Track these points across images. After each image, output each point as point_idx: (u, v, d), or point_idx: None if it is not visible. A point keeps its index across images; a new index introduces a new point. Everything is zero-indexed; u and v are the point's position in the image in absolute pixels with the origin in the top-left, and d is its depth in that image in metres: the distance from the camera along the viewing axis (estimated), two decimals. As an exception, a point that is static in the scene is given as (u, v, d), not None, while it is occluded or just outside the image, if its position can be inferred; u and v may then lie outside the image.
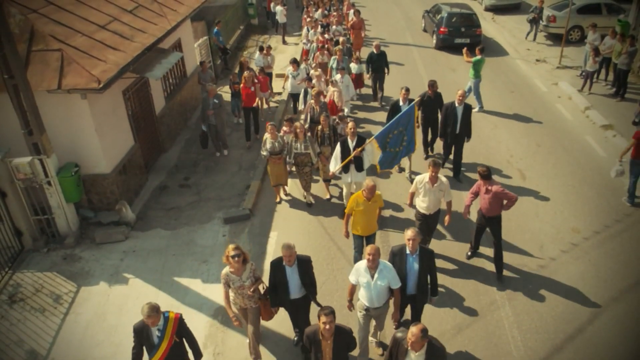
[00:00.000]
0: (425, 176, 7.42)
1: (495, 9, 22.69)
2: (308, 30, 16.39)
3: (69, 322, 7.17)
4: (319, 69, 12.57)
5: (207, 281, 7.83)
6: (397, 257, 6.06)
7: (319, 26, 16.49)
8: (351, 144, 8.42)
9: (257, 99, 11.69)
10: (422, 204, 7.55)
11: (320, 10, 18.95)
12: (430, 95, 10.40)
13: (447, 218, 7.62)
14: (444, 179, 7.38)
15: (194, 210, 9.57)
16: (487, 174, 7.33)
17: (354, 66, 13.46)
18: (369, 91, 14.19)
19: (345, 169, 8.56)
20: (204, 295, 7.57)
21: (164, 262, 8.27)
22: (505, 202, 7.37)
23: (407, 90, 9.90)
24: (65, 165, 8.50)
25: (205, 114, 10.87)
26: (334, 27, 16.74)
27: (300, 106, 11.51)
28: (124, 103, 9.65)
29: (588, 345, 6.59)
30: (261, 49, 14.27)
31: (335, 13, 18.48)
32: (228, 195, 9.96)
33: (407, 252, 6.02)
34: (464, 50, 13.48)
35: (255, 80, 12.06)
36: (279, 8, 19.30)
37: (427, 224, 7.73)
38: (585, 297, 7.34)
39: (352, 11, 17.79)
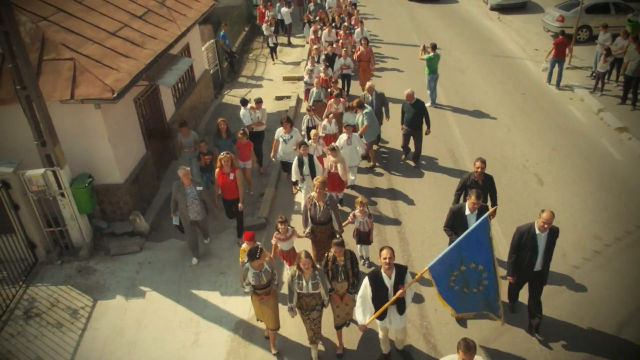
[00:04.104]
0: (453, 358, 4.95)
1: (501, 9, 22.55)
2: (314, 62, 13.44)
3: (87, 338, 7.03)
4: (331, 120, 10.26)
5: (225, 293, 7.70)
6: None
7: (322, 54, 13.85)
8: (388, 280, 5.75)
9: (239, 191, 8.35)
10: None
11: (326, 30, 15.81)
12: (476, 180, 7.49)
13: None
14: None
15: (208, 220, 9.38)
16: None
17: (349, 117, 10.38)
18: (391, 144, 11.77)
19: (380, 315, 5.96)
20: (224, 308, 7.43)
21: (181, 274, 8.13)
22: None
23: (479, 196, 6.60)
24: (78, 176, 8.35)
25: (178, 206, 7.93)
26: (341, 59, 13.71)
27: (294, 177, 8.87)
28: (136, 111, 9.51)
29: (617, 356, 6.47)
30: (244, 102, 10.80)
31: (341, 32, 15.83)
32: (245, 190, 9.74)
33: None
34: (420, 48, 13.58)
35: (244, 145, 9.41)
36: (284, 9, 19.11)
37: None
38: (611, 307, 7.21)
39: (357, 29, 16.31)
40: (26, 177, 7.78)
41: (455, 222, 6.81)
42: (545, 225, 6.16)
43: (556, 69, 14.40)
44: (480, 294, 6.01)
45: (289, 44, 19.48)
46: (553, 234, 6.32)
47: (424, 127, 10.58)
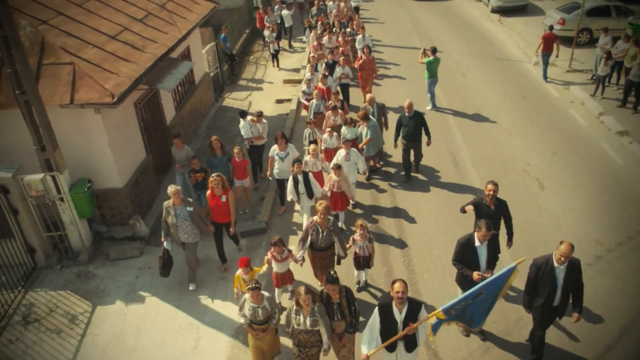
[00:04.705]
0: None
1: (502, 11, 22.52)
2: (314, 71, 12.83)
3: (86, 343, 7.01)
4: (332, 134, 9.77)
5: (226, 299, 7.65)
6: None
7: (322, 62, 13.41)
8: (398, 314, 5.34)
9: (231, 215, 7.89)
10: None
11: (327, 37, 15.41)
12: (488, 205, 6.94)
13: None
14: None
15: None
16: None
17: (346, 131, 9.85)
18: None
19: (389, 347, 5.56)
20: (224, 314, 7.39)
21: (181, 278, 8.08)
22: None
23: (489, 227, 6.05)
24: (77, 181, 8.32)
25: (169, 229, 7.46)
26: (339, 68, 13.04)
27: (289, 197, 8.48)
28: (136, 115, 9.48)
29: (619, 364, 6.46)
30: (243, 113, 10.28)
31: (340, 39, 15.20)
32: (242, 208, 9.77)
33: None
34: (420, 51, 13.52)
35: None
36: (285, 12, 19.08)
37: None
38: (612, 313, 7.17)
39: (360, 36, 15.48)
40: (25, 182, 7.76)
41: (465, 255, 6.28)
42: (563, 258, 5.66)
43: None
44: (473, 305, 5.65)
45: (290, 47, 19.45)
46: (574, 267, 5.77)
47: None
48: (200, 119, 13.33)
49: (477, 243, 6.17)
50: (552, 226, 8.93)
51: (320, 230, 6.84)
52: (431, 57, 13.00)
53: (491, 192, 6.87)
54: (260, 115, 10.17)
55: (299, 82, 15.72)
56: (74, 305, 7.65)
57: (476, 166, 10.80)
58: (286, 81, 16.15)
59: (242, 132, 10.26)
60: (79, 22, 8.96)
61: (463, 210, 7.30)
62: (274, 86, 15.99)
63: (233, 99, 15.11)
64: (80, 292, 7.90)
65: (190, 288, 7.88)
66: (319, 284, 7.40)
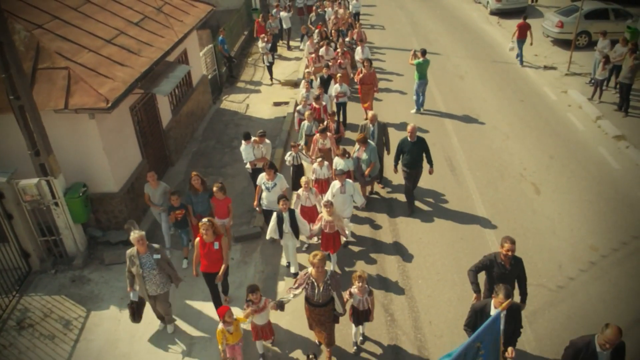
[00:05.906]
0: None
1: (501, 13, 22.49)
2: (309, 87, 11.79)
3: (80, 349, 7.01)
4: (322, 164, 8.93)
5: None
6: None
7: (318, 79, 12.58)
8: None
9: (224, 259, 6.99)
10: None
11: (324, 48, 14.45)
12: (503, 264, 6.11)
13: None
14: None
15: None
16: None
17: (339, 162, 8.93)
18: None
19: None
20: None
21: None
22: None
23: (508, 294, 5.45)
24: (72, 186, 8.33)
25: (134, 280, 6.73)
26: (336, 86, 12.10)
27: (269, 235, 7.79)
28: (132, 119, 9.47)
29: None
30: (247, 136, 9.39)
31: (339, 50, 13.93)
32: (238, 213, 9.74)
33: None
34: (411, 53, 13.46)
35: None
36: (283, 14, 19.07)
37: None
38: (607, 320, 6.98)
39: (359, 48, 14.53)
40: (20, 186, 7.76)
41: (477, 322, 5.59)
42: (608, 345, 5.01)
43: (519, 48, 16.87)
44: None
45: (289, 49, 19.42)
46: (618, 352, 5.12)
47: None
48: (198, 122, 13.31)
49: (493, 311, 5.48)
50: (548, 232, 8.92)
51: (316, 284, 6.00)
52: (421, 59, 12.98)
53: (509, 252, 6.01)
54: (263, 135, 9.50)
55: (297, 85, 15.67)
56: (68, 310, 7.65)
57: (472, 170, 10.79)
58: (284, 83, 16.12)
59: (243, 156, 9.60)
60: (75, 26, 8.96)
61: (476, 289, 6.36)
62: (272, 88, 15.98)
63: (231, 102, 15.10)
64: (74, 297, 7.90)
65: (169, 331, 7.22)
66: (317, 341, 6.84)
